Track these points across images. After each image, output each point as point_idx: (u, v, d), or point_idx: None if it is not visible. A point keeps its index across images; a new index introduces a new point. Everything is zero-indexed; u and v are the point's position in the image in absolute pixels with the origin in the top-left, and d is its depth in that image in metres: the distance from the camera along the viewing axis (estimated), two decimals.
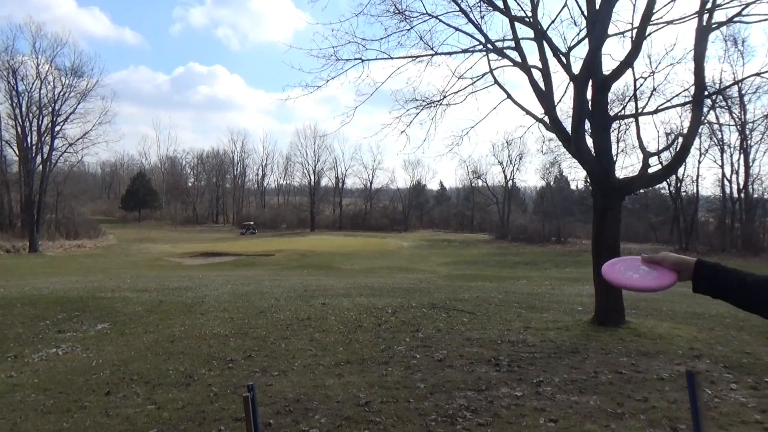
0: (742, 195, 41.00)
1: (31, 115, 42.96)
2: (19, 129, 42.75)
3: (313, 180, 78.29)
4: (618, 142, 33.68)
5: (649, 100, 10.56)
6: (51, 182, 44.77)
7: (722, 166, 41.35)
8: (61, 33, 67.00)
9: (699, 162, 42.88)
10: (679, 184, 44.64)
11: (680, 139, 9.64)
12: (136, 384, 5.87)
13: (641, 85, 10.22)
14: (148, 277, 21.37)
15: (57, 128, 43.13)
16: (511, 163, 67.06)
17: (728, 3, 8.10)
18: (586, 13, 8.95)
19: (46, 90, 42.98)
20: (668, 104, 9.99)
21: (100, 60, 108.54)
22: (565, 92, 10.15)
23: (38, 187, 42.30)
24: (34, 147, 42.97)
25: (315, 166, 78.61)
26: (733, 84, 24.30)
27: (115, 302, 11.18)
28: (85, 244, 46.05)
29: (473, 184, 73.27)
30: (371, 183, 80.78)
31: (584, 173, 43.14)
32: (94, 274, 23.49)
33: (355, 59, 10.20)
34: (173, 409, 5.03)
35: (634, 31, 8.74)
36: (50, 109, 42.79)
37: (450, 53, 10.47)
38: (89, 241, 47.49)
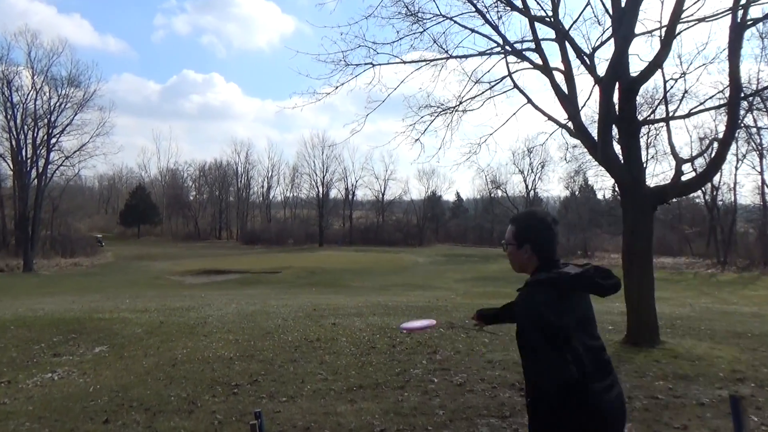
0: None
1: (26, 127, 43.72)
2: (13, 142, 43.45)
3: (321, 192, 78.60)
4: (648, 148, 33.55)
5: (680, 103, 10.53)
6: (46, 197, 45.39)
7: (762, 173, 40.80)
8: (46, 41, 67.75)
9: (736, 168, 42.38)
10: (715, 193, 44.14)
11: (715, 145, 9.55)
12: (136, 411, 5.87)
13: (672, 87, 10.17)
14: (147, 296, 21.49)
15: (53, 140, 43.85)
16: (532, 171, 67.16)
17: None
18: (611, 12, 8.95)
19: (41, 101, 43.80)
20: (701, 107, 9.92)
21: (96, 69, 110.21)
22: (590, 96, 10.15)
23: (33, 203, 42.84)
24: (29, 160, 43.67)
25: (323, 177, 78.97)
26: None
27: (114, 324, 11.24)
28: (82, 263, 46.46)
29: (492, 195, 73.24)
30: (383, 194, 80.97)
31: (612, 182, 42.91)
32: (91, 294, 23.68)
33: (366, 64, 10.26)
34: None
35: (663, 29, 8.71)
36: (46, 120, 43.53)
37: (466, 56, 10.49)
38: (86, 259, 47.93)
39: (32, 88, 43.46)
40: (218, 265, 44.51)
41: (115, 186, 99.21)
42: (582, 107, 9.65)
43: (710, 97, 9.98)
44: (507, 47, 9.92)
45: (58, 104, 43.84)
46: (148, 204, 79.74)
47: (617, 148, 9.05)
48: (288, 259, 50.01)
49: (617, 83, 8.78)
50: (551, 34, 9.67)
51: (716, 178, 40.46)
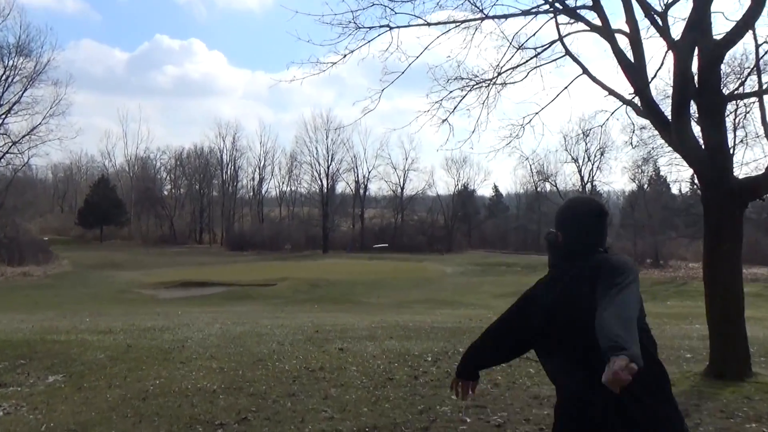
0: None
1: None
2: None
3: (325, 185, 78.82)
4: (735, 129, 32.97)
5: None
6: None
7: None
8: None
9: None
10: None
11: None
12: None
13: (766, 52, 10.05)
14: (112, 314, 21.72)
15: None
16: (589, 160, 66.86)
17: None
18: None
19: None
20: None
21: (51, 34, 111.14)
22: (662, 64, 10.01)
23: None
24: None
25: (328, 168, 79.14)
26: None
27: (71, 347, 11.37)
28: (33, 272, 47.04)
29: (539, 189, 72.99)
30: (402, 188, 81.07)
31: (690, 172, 42.45)
32: (44, 311, 23.98)
33: (382, 26, 10.26)
34: None
35: None
36: None
37: (506, 16, 10.44)
38: (37, 268, 48.53)
39: None
40: (199, 276, 44.87)
41: (73, 178, 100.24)
42: (652, 79, 9.55)
43: None
44: (557, 4, 9.87)
45: (4, 78, 44.56)
46: (113, 200, 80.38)
47: (696, 129, 8.97)
48: (284, 268, 50.26)
49: (696, 48, 8.70)
50: None
51: None
